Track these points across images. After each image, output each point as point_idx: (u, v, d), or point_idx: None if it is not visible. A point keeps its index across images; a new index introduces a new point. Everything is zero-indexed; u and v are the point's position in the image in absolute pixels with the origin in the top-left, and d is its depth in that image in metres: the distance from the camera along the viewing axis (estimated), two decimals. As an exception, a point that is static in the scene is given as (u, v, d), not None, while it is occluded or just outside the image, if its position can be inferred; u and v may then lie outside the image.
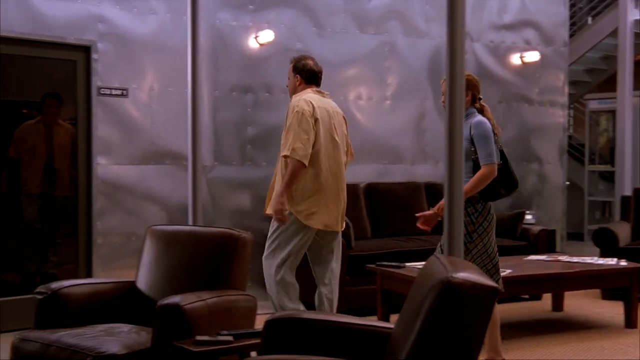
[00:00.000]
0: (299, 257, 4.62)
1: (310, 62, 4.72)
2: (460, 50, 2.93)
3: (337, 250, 4.76)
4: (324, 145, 4.49)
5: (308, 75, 4.67)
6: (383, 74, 7.03)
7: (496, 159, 4.20)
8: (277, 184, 4.57)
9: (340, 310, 5.22)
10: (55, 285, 3.63)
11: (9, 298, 5.39)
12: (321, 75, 4.75)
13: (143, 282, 3.86)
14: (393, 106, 7.05)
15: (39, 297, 3.58)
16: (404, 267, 5.22)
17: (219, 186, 6.28)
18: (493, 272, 4.25)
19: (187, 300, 3.25)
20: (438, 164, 7.12)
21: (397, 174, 7.03)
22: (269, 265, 4.56)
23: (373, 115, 7.00)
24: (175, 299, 3.25)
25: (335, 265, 4.75)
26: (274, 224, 4.58)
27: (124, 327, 3.49)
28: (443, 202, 4.16)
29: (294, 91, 4.68)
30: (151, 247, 3.92)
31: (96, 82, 5.66)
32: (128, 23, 5.83)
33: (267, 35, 6.41)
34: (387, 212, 6.68)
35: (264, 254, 4.61)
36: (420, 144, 7.22)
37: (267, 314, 3.42)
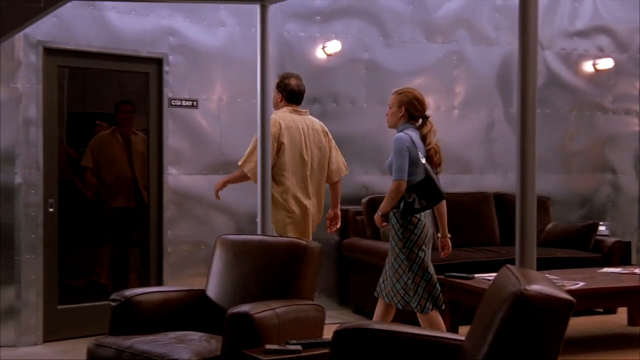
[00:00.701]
0: None
1: (292, 82, 4.94)
2: (532, 59, 2.87)
3: None
4: (290, 166, 4.76)
5: (288, 95, 4.93)
6: (451, 83, 6.96)
7: (405, 175, 4.29)
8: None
9: (409, 321, 5.18)
10: (128, 292, 3.71)
11: (89, 304, 5.57)
12: (302, 95, 4.99)
13: (213, 290, 3.91)
14: (461, 115, 6.98)
15: (113, 304, 3.66)
16: (473, 278, 5.16)
17: (286, 196, 6.32)
18: (430, 289, 4.37)
19: (256, 309, 3.28)
20: (508, 174, 7.00)
21: (465, 184, 6.94)
22: None
23: (441, 124, 6.88)
24: (244, 307, 3.28)
25: None
26: None
27: (195, 335, 3.54)
28: (376, 216, 4.44)
29: (276, 107, 4.93)
30: (221, 257, 3.97)
31: (167, 93, 5.78)
32: (198, 36, 5.94)
33: (334, 46, 6.43)
34: (455, 222, 6.52)
35: None
36: (490, 154, 7.12)
37: (335, 323, 3.42)
